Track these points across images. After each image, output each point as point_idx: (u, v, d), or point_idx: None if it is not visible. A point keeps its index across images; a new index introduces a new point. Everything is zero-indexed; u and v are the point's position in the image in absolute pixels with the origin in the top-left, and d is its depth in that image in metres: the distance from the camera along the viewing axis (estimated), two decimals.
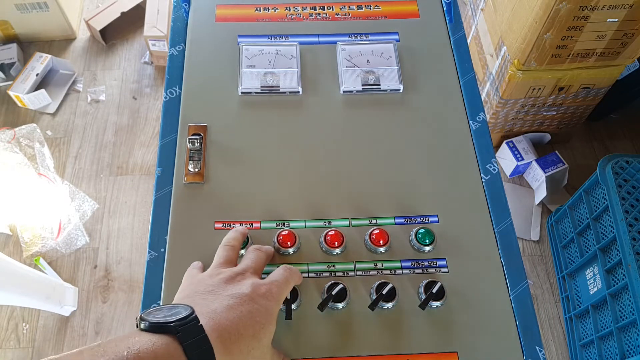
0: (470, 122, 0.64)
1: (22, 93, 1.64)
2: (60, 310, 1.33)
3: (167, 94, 0.65)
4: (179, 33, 0.70)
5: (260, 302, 0.42)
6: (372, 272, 0.54)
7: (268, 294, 0.43)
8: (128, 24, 1.85)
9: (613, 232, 1.11)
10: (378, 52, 0.68)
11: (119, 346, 0.34)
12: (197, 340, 0.36)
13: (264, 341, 0.42)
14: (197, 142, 0.60)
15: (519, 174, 1.57)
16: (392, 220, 0.57)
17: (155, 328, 0.36)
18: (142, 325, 0.37)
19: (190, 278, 0.47)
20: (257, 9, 0.72)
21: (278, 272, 0.47)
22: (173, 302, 0.41)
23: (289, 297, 0.50)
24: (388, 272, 0.54)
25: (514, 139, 1.54)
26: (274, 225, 0.56)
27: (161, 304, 0.51)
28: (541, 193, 1.49)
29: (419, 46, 0.70)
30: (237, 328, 0.39)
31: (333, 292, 0.51)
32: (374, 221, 0.57)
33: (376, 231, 0.55)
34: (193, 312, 0.38)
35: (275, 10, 0.72)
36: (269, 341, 0.43)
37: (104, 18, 1.78)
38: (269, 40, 0.69)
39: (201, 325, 0.37)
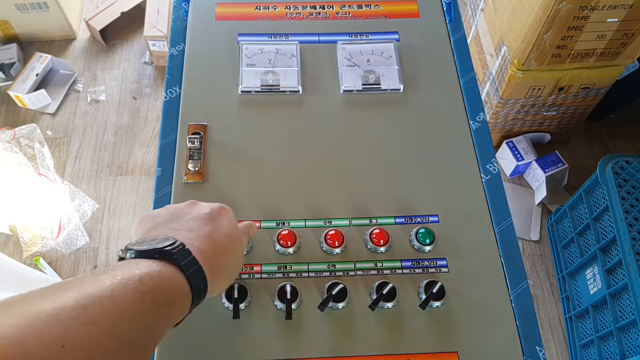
0: (470, 122, 0.64)
1: (22, 93, 1.64)
2: None
3: (167, 94, 0.65)
4: (179, 33, 0.70)
5: (220, 220, 0.44)
6: (372, 272, 0.54)
7: (223, 209, 0.46)
8: (128, 24, 1.85)
9: (613, 232, 1.11)
10: (378, 51, 0.68)
11: (130, 268, 0.35)
12: (189, 262, 0.38)
13: (237, 248, 0.45)
14: (197, 141, 0.60)
15: (519, 174, 1.57)
16: (392, 220, 0.57)
17: (150, 255, 0.37)
18: (132, 255, 0.38)
19: (143, 219, 0.46)
20: (257, 8, 0.72)
21: (215, 204, 0.49)
22: (136, 239, 0.42)
23: (289, 297, 0.50)
24: (388, 272, 0.54)
25: (514, 139, 1.54)
26: (274, 224, 0.56)
27: None
28: (541, 193, 1.49)
29: (419, 46, 0.70)
30: (212, 245, 0.41)
31: (333, 292, 0.51)
32: (374, 221, 0.57)
33: (376, 231, 0.55)
34: (175, 239, 0.39)
35: (275, 9, 0.72)
36: (242, 249, 0.46)
37: (104, 18, 1.78)
38: (269, 39, 0.69)
39: (188, 249, 0.39)
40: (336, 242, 0.54)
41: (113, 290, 0.32)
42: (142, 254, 0.37)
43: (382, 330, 0.51)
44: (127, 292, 0.33)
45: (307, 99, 0.65)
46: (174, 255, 0.37)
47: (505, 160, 1.55)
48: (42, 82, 1.72)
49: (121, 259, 0.38)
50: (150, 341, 0.34)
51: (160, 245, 0.38)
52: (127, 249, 0.38)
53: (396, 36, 0.70)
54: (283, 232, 0.54)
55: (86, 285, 0.32)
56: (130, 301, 0.32)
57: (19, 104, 1.69)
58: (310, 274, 0.54)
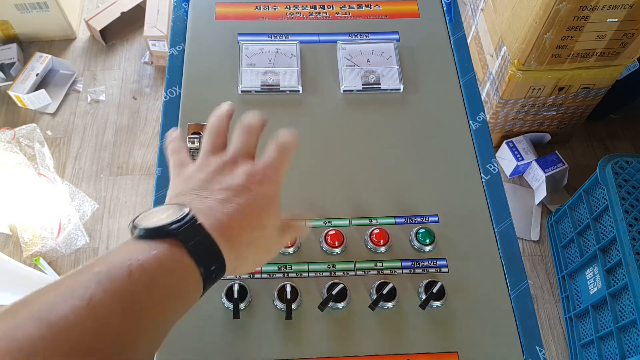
0: (470, 122, 0.64)
1: (22, 93, 1.64)
2: None
3: (167, 94, 0.65)
4: (179, 33, 0.69)
5: (256, 189, 0.39)
6: (372, 272, 0.54)
7: (264, 179, 0.40)
8: (128, 24, 1.85)
9: (613, 232, 1.11)
10: (378, 51, 0.68)
11: (120, 258, 0.30)
12: (200, 240, 0.33)
13: (269, 229, 0.40)
14: (197, 141, 0.60)
15: (519, 174, 1.57)
16: (392, 220, 0.57)
17: (152, 233, 0.33)
18: (138, 233, 0.33)
19: (179, 174, 0.43)
20: (257, 7, 0.72)
21: (271, 151, 0.43)
22: (165, 203, 0.38)
23: (289, 297, 0.50)
24: (388, 271, 0.54)
25: (514, 139, 1.54)
26: None
27: None
28: (541, 193, 1.49)
29: (419, 46, 0.70)
30: (237, 221, 0.36)
31: (333, 292, 0.51)
32: (374, 221, 0.57)
33: (376, 231, 0.55)
34: (189, 211, 0.34)
35: (275, 9, 0.72)
36: (274, 226, 0.41)
37: (104, 18, 1.78)
38: (269, 38, 0.69)
39: (200, 223, 0.34)
40: (336, 242, 0.54)
41: (92, 299, 0.27)
42: (146, 233, 0.33)
43: (382, 330, 0.51)
44: (112, 298, 0.28)
45: (307, 98, 0.65)
46: (180, 235, 0.33)
47: (505, 160, 1.55)
48: (42, 82, 1.72)
49: (131, 234, 0.34)
50: (153, 340, 0.31)
51: (166, 221, 0.33)
52: (134, 226, 0.34)
53: (396, 36, 0.70)
54: None
55: (60, 291, 0.28)
56: (113, 308, 0.28)
57: (19, 104, 1.69)
58: (310, 274, 0.54)
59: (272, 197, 0.40)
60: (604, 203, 1.17)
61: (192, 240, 0.33)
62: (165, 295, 0.31)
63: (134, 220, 0.34)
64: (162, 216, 0.34)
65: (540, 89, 1.35)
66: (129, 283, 0.29)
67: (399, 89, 0.66)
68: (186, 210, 0.34)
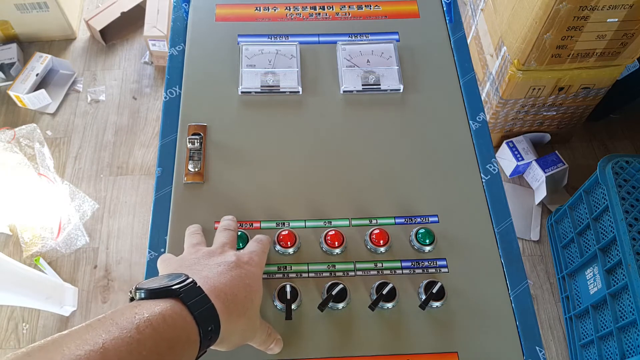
0: (470, 122, 0.64)
1: (22, 93, 1.64)
2: (60, 311, 1.32)
3: (167, 94, 0.65)
4: (179, 33, 0.70)
5: (246, 267, 0.44)
6: (372, 272, 0.54)
7: (251, 261, 0.46)
8: (128, 24, 1.85)
9: (613, 232, 1.11)
10: (378, 52, 0.68)
11: (127, 315, 0.33)
12: (199, 300, 0.37)
13: (255, 303, 0.44)
14: (197, 142, 0.60)
15: (519, 174, 1.57)
16: (392, 220, 0.57)
17: (155, 294, 0.36)
18: (142, 295, 0.37)
19: (168, 260, 0.48)
20: (257, 9, 0.72)
21: (252, 244, 0.50)
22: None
23: (289, 297, 0.50)
24: (388, 272, 0.54)
25: (514, 139, 1.54)
26: (274, 225, 0.56)
27: None
28: (541, 193, 1.49)
29: (419, 46, 0.70)
30: (231, 289, 0.40)
31: (333, 292, 0.51)
32: (374, 221, 0.57)
33: (376, 231, 0.55)
34: (187, 276, 0.38)
35: (275, 10, 0.72)
36: (259, 305, 0.45)
37: (104, 18, 1.78)
38: (269, 39, 0.69)
39: (200, 286, 0.38)
40: (336, 243, 0.54)
41: (104, 344, 0.30)
42: (149, 294, 0.36)
43: (382, 331, 0.51)
44: (121, 345, 0.31)
45: (307, 99, 0.65)
46: (181, 294, 0.36)
47: (505, 160, 1.56)
48: (42, 82, 1.72)
49: (131, 299, 0.37)
50: None
51: (169, 283, 0.37)
52: (136, 289, 0.37)
53: (396, 36, 0.70)
54: (283, 233, 0.55)
55: (74, 342, 0.30)
56: (122, 355, 0.31)
57: (19, 104, 1.69)
58: (310, 274, 0.54)
59: (258, 276, 0.45)
60: (604, 203, 1.17)
61: (192, 300, 0.36)
62: (168, 347, 0.34)
63: (136, 285, 0.38)
64: (163, 281, 0.37)
65: (540, 89, 1.35)
66: (137, 333, 0.32)
67: (399, 90, 0.66)
68: (184, 276, 0.38)
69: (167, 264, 0.47)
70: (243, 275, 0.43)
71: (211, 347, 0.39)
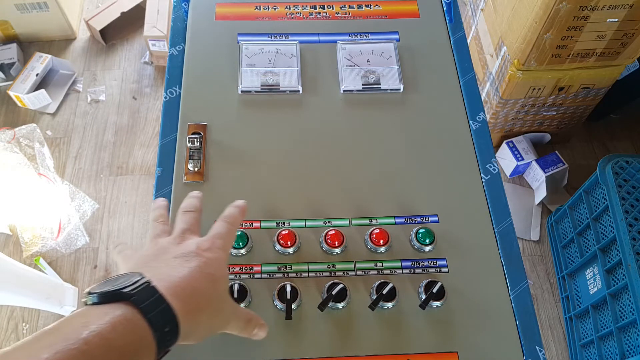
0: (470, 122, 0.64)
1: (22, 93, 1.63)
2: (60, 310, 1.32)
3: (167, 94, 0.65)
4: (179, 33, 0.70)
5: (206, 255, 0.42)
6: (372, 272, 0.54)
7: (213, 246, 0.43)
8: (128, 24, 1.85)
9: (613, 232, 1.11)
10: (378, 51, 0.68)
11: (74, 325, 0.32)
12: (154, 301, 0.35)
13: (220, 291, 0.42)
14: (197, 141, 0.60)
15: (519, 174, 1.57)
16: (392, 220, 0.57)
17: (106, 298, 0.34)
18: (92, 299, 0.35)
19: (127, 257, 0.45)
20: (257, 8, 0.72)
21: (217, 225, 0.46)
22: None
23: (289, 297, 0.50)
24: (388, 272, 0.54)
25: (514, 139, 1.54)
26: (274, 224, 0.56)
27: None
28: (541, 193, 1.49)
29: (419, 46, 0.70)
30: (189, 283, 0.38)
31: (333, 292, 0.51)
32: (374, 221, 0.57)
33: (376, 231, 0.55)
34: (142, 276, 0.36)
35: (275, 9, 0.72)
36: (225, 293, 0.43)
37: (104, 18, 1.78)
38: (269, 39, 0.69)
39: (154, 286, 0.36)
40: (336, 242, 0.54)
41: (48, 359, 0.29)
42: (100, 298, 0.34)
43: (382, 330, 0.51)
44: (67, 358, 0.29)
45: (307, 99, 0.65)
46: (134, 297, 0.34)
47: (505, 160, 1.55)
48: (42, 82, 1.72)
49: (85, 303, 0.35)
50: None
51: (120, 286, 0.35)
52: (88, 293, 0.35)
53: (396, 36, 0.70)
54: (283, 232, 0.54)
55: (19, 356, 0.29)
56: None
57: (19, 104, 1.69)
58: (310, 274, 0.54)
59: (221, 262, 0.43)
60: (604, 203, 1.17)
61: (145, 302, 0.34)
62: (119, 356, 0.32)
63: (88, 289, 0.36)
64: (115, 283, 0.35)
65: (540, 89, 1.35)
66: (84, 344, 0.30)
67: (399, 89, 0.66)
68: (138, 276, 0.36)
69: (125, 261, 0.44)
70: (202, 264, 0.40)
71: (178, 343, 0.37)
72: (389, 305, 0.51)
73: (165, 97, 0.64)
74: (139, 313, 0.34)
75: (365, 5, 0.73)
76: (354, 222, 0.57)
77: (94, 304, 0.34)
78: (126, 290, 0.34)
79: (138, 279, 0.36)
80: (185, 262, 0.40)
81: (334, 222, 0.57)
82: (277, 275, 0.54)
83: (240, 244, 0.53)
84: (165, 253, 0.42)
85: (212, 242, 0.43)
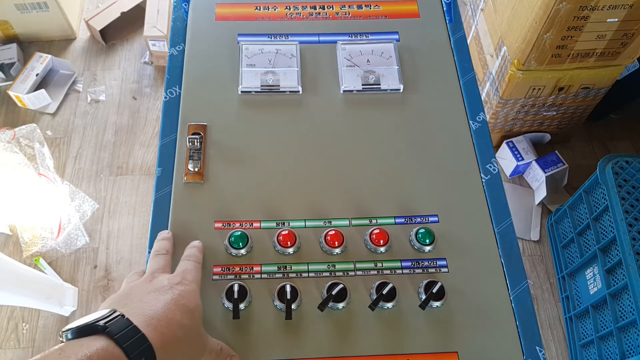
0: (470, 122, 0.64)
1: (22, 93, 1.63)
2: (60, 310, 1.32)
3: (167, 94, 0.65)
4: (179, 33, 0.70)
5: (178, 288, 0.44)
6: (372, 272, 0.54)
7: (184, 280, 0.46)
8: (128, 24, 1.85)
9: (613, 232, 1.11)
10: (378, 51, 0.68)
11: (52, 358, 0.33)
12: (128, 332, 0.36)
13: (194, 321, 0.43)
14: (197, 142, 0.60)
15: (519, 174, 1.57)
16: (392, 220, 0.57)
17: (80, 332, 0.36)
18: (67, 336, 0.36)
19: (107, 300, 0.47)
20: (257, 8, 0.72)
21: (182, 264, 0.50)
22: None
23: (289, 297, 0.50)
24: (388, 272, 0.54)
25: (514, 139, 1.54)
26: (274, 224, 0.56)
27: None
28: (541, 193, 1.49)
29: (419, 46, 0.70)
30: (163, 313, 0.40)
31: (333, 292, 0.51)
32: (374, 221, 0.57)
33: (376, 231, 0.55)
34: (114, 310, 0.38)
35: (275, 9, 0.72)
36: (200, 323, 0.45)
37: (104, 18, 1.78)
38: (269, 39, 0.69)
39: (127, 318, 0.37)
40: (336, 242, 0.54)
41: None
42: (75, 333, 0.36)
43: (382, 330, 0.51)
44: None
45: (307, 99, 0.65)
46: (107, 328, 0.35)
47: (505, 160, 1.56)
48: (42, 82, 1.72)
49: (61, 341, 0.37)
50: None
51: (94, 319, 0.36)
52: (63, 331, 0.37)
53: (396, 36, 0.70)
54: (283, 232, 0.54)
55: None
56: None
57: (19, 104, 1.69)
58: (310, 274, 0.54)
59: (194, 293, 0.45)
60: (604, 203, 1.17)
61: (119, 332, 0.35)
62: None
63: (63, 330, 0.37)
64: (89, 319, 0.37)
65: (540, 89, 1.35)
66: None
67: (399, 89, 0.66)
68: (111, 310, 0.37)
69: (104, 303, 0.46)
70: (176, 296, 0.43)
71: None
72: (389, 305, 0.51)
73: (165, 97, 0.64)
74: (115, 344, 0.35)
75: (365, 6, 0.73)
76: (354, 222, 0.57)
77: (69, 339, 0.36)
78: (100, 323, 0.36)
79: (110, 312, 0.37)
80: (159, 296, 0.42)
81: (334, 222, 0.57)
82: (277, 275, 0.54)
83: (240, 244, 0.53)
84: (137, 291, 0.44)
85: (183, 276, 0.46)
